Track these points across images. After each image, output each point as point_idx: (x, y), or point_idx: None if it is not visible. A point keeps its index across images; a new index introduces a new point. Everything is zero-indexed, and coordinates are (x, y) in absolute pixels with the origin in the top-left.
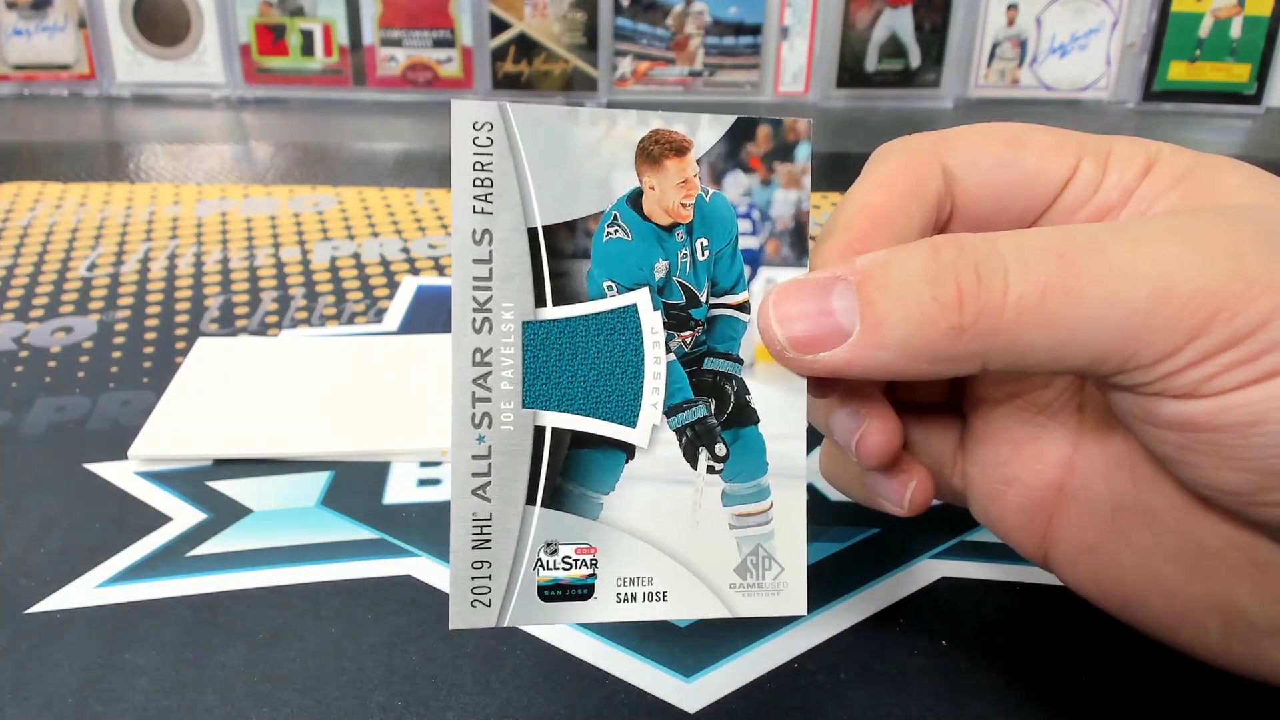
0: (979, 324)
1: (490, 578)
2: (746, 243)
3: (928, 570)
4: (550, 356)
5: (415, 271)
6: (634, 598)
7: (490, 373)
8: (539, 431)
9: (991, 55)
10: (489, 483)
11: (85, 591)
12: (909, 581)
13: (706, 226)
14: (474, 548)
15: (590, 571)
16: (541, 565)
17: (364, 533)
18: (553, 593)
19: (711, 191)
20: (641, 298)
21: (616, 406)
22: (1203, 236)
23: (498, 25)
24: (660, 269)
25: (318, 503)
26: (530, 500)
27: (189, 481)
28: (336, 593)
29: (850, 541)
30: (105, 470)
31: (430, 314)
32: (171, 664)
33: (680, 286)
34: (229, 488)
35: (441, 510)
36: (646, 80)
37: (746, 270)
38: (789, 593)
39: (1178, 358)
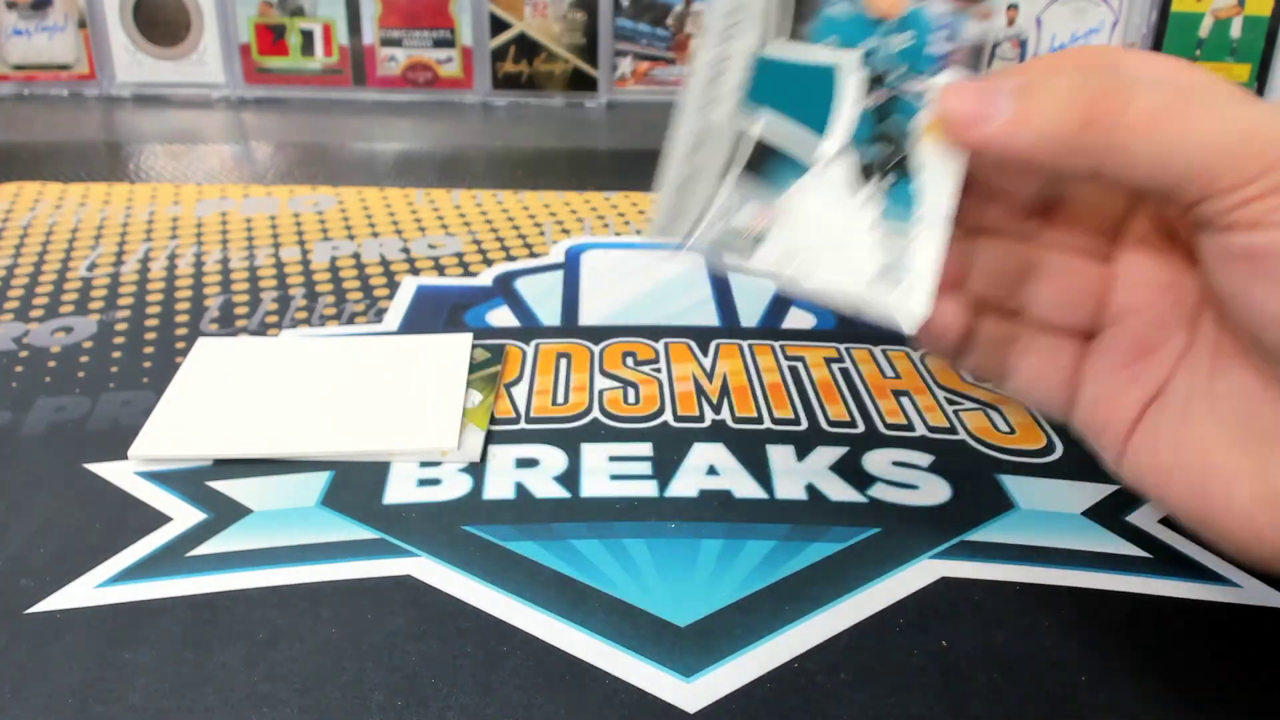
0: (1103, 121)
1: (690, 205)
2: (937, 49)
3: (928, 570)
4: (772, 82)
5: (415, 271)
6: (791, 259)
7: (724, 74)
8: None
9: (991, 55)
10: (717, 103)
11: (85, 591)
12: (909, 581)
13: (910, 26)
14: (688, 157)
15: (765, 228)
16: (730, 211)
17: (364, 533)
18: (729, 239)
19: (923, 4)
20: (849, 57)
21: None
22: None
23: (498, 25)
24: (868, 44)
25: (318, 503)
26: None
27: (189, 481)
28: (336, 593)
29: (850, 541)
30: (105, 470)
31: (430, 314)
32: (171, 664)
33: (879, 62)
34: (229, 488)
35: (442, 510)
36: (647, 80)
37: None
38: (914, 294)
39: (1251, 187)
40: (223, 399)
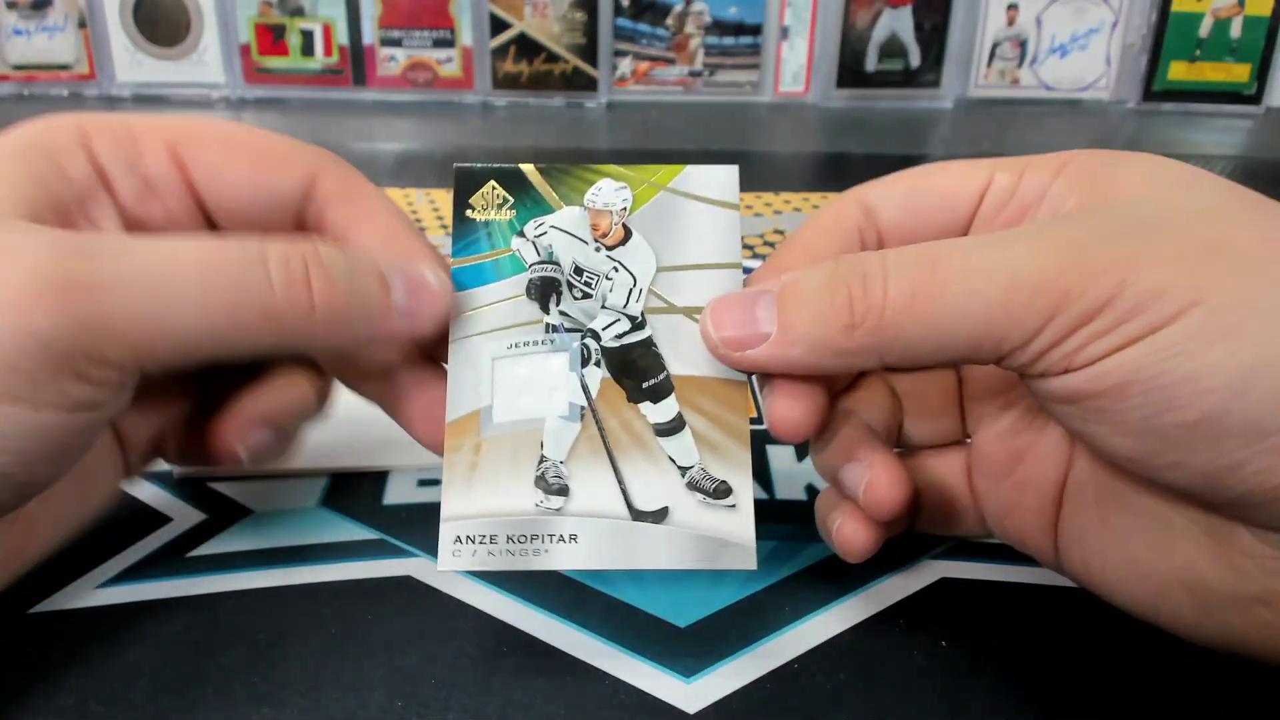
0: (866, 323)
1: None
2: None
3: (928, 570)
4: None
5: None
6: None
7: None
8: None
9: (991, 55)
10: None
11: (85, 592)
12: (909, 581)
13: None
14: None
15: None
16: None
17: (364, 533)
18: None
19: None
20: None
21: None
22: (1050, 235)
23: (498, 25)
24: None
25: (318, 503)
26: None
27: (189, 482)
28: (337, 593)
29: None
30: None
31: None
32: (171, 664)
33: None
34: (229, 488)
35: None
36: (646, 80)
37: None
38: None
39: (1041, 338)
40: None
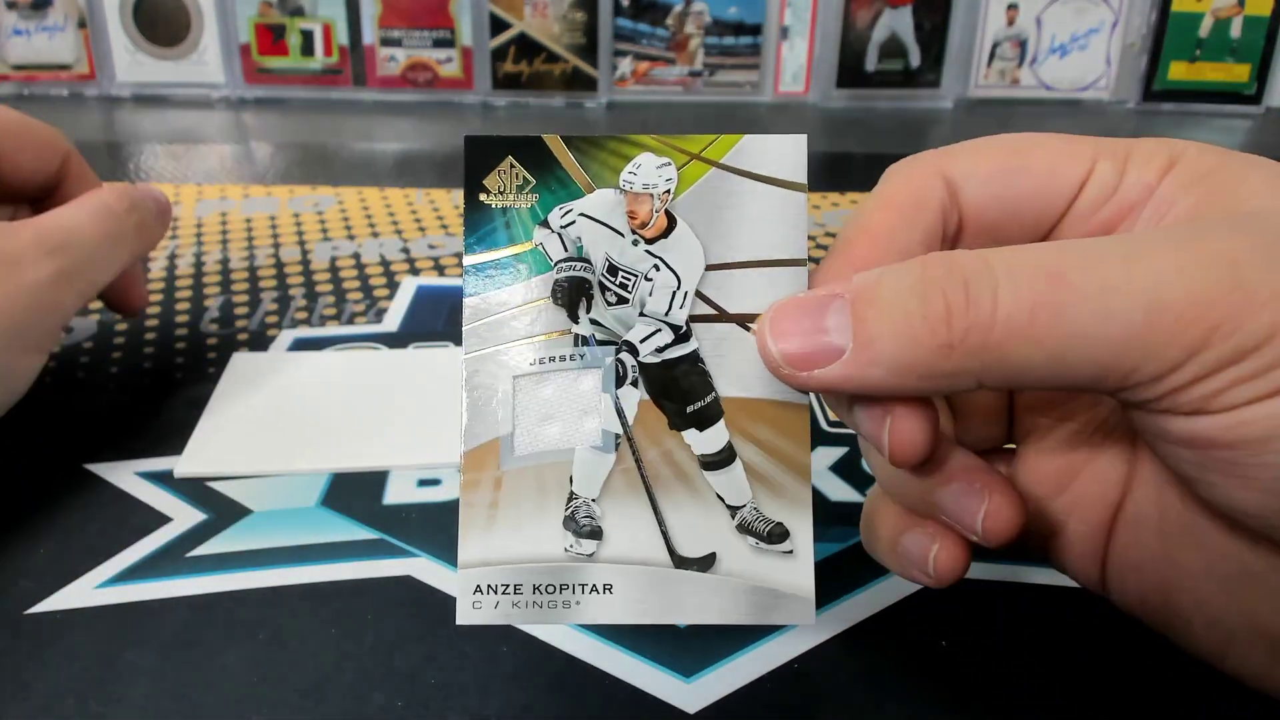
0: (968, 341)
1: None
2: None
3: None
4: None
5: (415, 271)
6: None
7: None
8: None
9: (991, 55)
10: None
11: (85, 592)
12: (909, 581)
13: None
14: None
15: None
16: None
17: (364, 533)
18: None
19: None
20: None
21: None
22: (1201, 248)
23: (498, 25)
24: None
25: (318, 503)
26: None
27: (189, 482)
28: (336, 593)
29: (850, 541)
30: (105, 470)
31: (430, 314)
32: (171, 664)
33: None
34: (229, 488)
35: (442, 510)
36: (646, 80)
37: None
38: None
39: (1180, 373)
40: (261, 414)
